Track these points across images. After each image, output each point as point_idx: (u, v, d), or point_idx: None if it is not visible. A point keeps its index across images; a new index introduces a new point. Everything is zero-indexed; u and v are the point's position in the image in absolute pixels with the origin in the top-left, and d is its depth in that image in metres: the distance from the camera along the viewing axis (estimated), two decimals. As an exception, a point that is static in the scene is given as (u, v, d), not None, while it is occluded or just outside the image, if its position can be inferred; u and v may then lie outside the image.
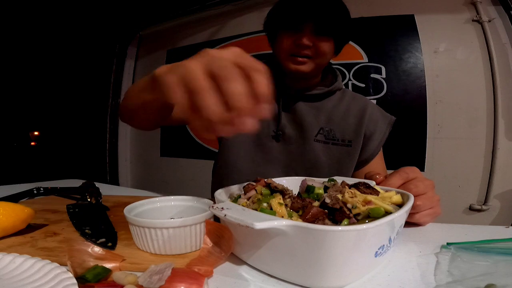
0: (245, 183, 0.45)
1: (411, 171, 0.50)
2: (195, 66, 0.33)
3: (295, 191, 0.48)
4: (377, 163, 0.87)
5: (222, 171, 0.88)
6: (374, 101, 1.86)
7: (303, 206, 0.37)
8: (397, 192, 0.42)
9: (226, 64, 0.33)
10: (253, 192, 0.42)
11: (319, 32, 0.74)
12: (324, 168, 0.82)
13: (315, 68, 0.79)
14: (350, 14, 0.79)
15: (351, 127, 0.84)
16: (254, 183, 0.44)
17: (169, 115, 0.62)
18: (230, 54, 0.34)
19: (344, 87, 0.92)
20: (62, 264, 0.31)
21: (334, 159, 0.83)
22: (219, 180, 0.89)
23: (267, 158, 0.85)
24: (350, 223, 0.34)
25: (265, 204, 0.37)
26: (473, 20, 1.68)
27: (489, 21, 1.64)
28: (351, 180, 0.47)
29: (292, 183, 0.50)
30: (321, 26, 0.74)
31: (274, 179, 0.46)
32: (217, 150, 0.94)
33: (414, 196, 0.39)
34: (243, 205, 0.40)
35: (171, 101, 0.35)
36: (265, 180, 0.44)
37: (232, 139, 0.85)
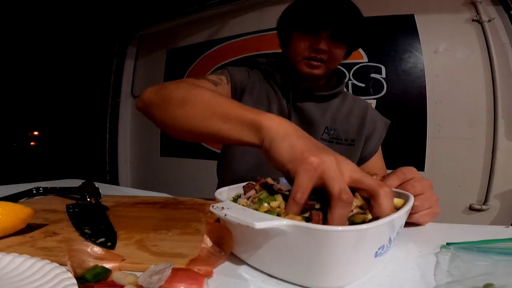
0: (245, 183, 0.45)
1: (408, 172, 0.50)
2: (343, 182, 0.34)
3: None
4: (377, 161, 0.92)
5: (228, 170, 0.88)
6: (374, 101, 1.86)
7: (304, 208, 0.37)
8: (396, 193, 0.42)
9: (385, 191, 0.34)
10: (252, 192, 0.42)
11: (336, 38, 0.76)
12: None
13: (326, 71, 0.81)
14: (366, 22, 0.81)
15: (353, 127, 0.88)
16: (254, 183, 0.44)
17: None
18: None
19: (346, 89, 0.95)
20: (62, 264, 0.31)
21: None
22: (225, 180, 0.89)
23: None
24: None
25: (265, 205, 0.37)
26: (473, 20, 1.68)
27: (489, 21, 1.64)
28: None
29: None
30: (339, 33, 0.75)
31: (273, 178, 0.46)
32: (217, 150, 0.95)
33: None
34: (243, 205, 0.40)
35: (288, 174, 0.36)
36: (267, 180, 0.43)
37: None
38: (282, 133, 0.40)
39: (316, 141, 0.40)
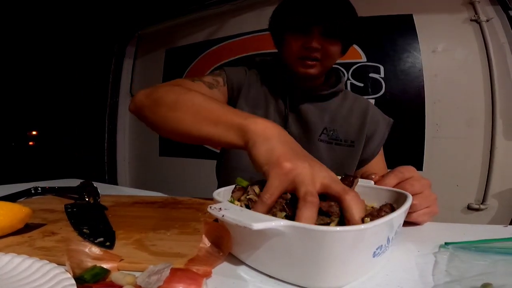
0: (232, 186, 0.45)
1: (406, 171, 0.50)
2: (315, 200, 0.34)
3: None
4: (378, 162, 0.89)
5: (228, 170, 0.88)
6: (373, 101, 1.86)
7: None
8: (395, 192, 0.42)
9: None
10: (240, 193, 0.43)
11: (328, 34, 0.74)
12: None
13: (323, 70, 0.80)
14: (357, 15, 0.78)
15: (353, 128, 0.86)
16: (242, 186, 0.44)
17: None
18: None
19: (345, 88, 0.93)
20: (60, 263, 0.31)
21: (337, 159, 0.83)
22: (224, 180, 0.89)
23: None
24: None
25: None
26: (471, 20, 1.68)
27: (487, 20, 1.65)
28: None
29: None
30: (330, 29, 0.73)
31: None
32: (216, 150, 0.94)
33: None
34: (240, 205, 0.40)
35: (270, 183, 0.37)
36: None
37: None
38: (265, 136, 0.42)
39: (297, 147, 0.42)
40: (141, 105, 0.63)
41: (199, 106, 0.53)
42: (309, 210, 0.33)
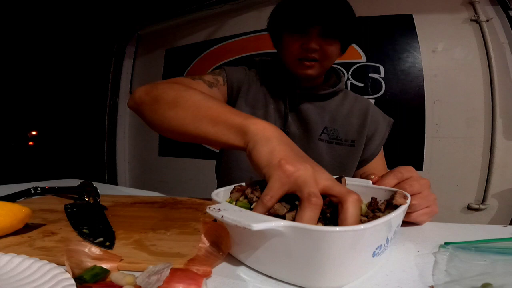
0: (233, 186, 0.45)
1: (406, 171, 0.50)
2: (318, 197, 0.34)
3: None
4: (378, 162, 0.88)
5: (227, 170, 0.88)
6: (373, 101, 1.87)
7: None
8: (393, 191, 0.42)
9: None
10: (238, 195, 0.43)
11: (326, 35, 0.74)
12: (327, 167, 0.81)
13: (322, 70, 0.80)
14: (355, 14, 0.78)
15: (354, 128, 0.85)
16: (240, 186, 0.44)
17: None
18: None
19: (345, 88, 0.92)
20: (60, 263, 0.31)
21: (338, 158, 0.83)
22: (224, 180, 0.88)
23: None
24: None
25: None
26: (471, 20, 1.68)
27: (487, 20, 1.65)
28: (350, 180, 0.48)
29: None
30: (328, 29, 0.73)
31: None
32: (216, 150, 0.94)
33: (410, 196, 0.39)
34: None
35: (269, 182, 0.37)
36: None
37: None
38: (265, 138, 0.41)
39: (298, 149, 0.42)
40: (140, 102, 0.62)
41: (199, 105, 0.53)
42: (312, 211, 0.33)
